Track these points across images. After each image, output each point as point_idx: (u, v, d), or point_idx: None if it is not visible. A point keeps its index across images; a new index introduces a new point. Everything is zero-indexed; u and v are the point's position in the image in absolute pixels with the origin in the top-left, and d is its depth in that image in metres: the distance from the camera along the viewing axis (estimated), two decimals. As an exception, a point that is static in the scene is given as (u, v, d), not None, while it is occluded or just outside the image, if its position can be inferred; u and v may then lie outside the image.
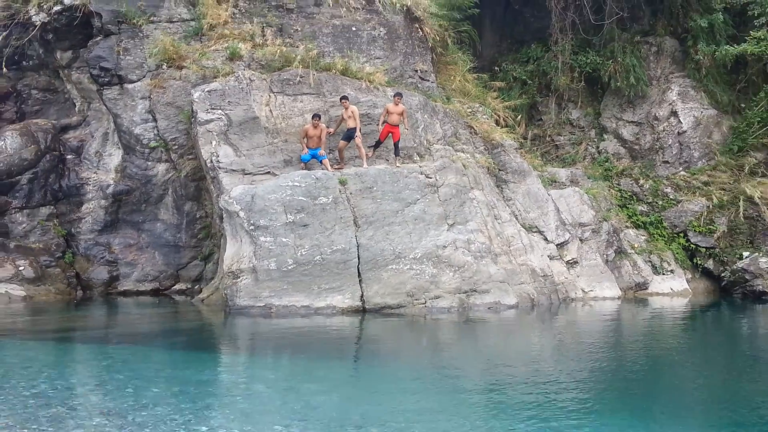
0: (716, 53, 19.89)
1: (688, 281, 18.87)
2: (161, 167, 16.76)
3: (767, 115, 19.82)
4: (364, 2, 17.85)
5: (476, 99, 19.34)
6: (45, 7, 16.75)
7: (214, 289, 15.31)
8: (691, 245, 19.10)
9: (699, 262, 19.14)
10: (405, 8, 18.08)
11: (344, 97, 15.45)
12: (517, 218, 16.90)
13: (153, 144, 16.59)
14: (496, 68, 21.58)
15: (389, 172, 15.26)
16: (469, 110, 18.57)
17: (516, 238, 16.20)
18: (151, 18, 17.00)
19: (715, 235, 18.86)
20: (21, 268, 15.59)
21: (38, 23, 16.69)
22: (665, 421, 7.05)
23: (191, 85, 16.11)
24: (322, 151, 15.17)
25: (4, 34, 16.84)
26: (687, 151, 20.33)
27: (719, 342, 12.92)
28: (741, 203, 18.71)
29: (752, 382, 9.19)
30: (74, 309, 15.09)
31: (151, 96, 16.53)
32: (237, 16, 17.27)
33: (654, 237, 19.13)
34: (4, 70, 17.14)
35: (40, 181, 16.63)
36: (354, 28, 17.63)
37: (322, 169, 15.07)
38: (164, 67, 16.63)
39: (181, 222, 16.87)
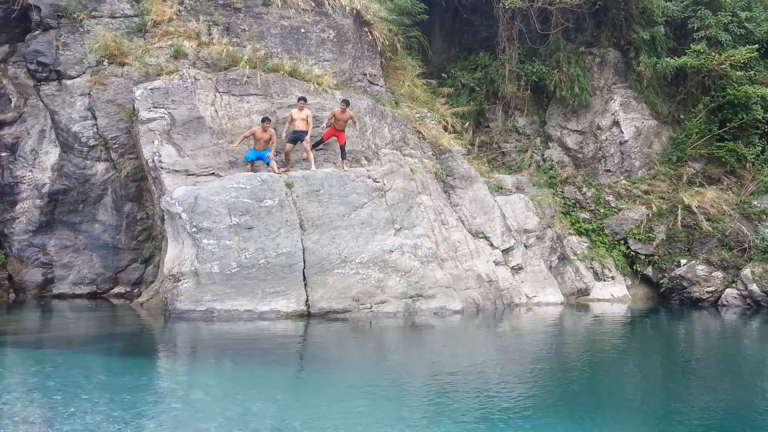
0: (657, 65, 20.49)
1: (628, 287, 19.26)
2: (100, 166, 16.22)
3: (705, 127, 20.44)
4: (313, 4, 17.69)
5: (425, 104, 19.37)
6: (-20, -2, 16.14)
7: (154, 293, 14.87)
8: (632, 252, 19.51)
9: (639, 269, 19.56)
10: (354, 11, 18.00)
11: (303, 98, 15.24)
12: (463, 224, 16.96)
13: (92, 142, 16.05)
14: (444, 75, 21.66)
15: (336, 176, 15.12)
16: (418, 115, 18.58)
17: (462, 243, 16.24)
18: (93, 13, 16.48)
19: (654, 243, 19.29)
20: (-52, 270, 14.87)
21: (-28, 15, 16.03)
22: (605, 423, 7.12)
23: (133, 83, 15.65)
24: (270, 154, 14.93)
25: (-65, 25, 16.12)
26: (628, 160, 20.77)
27: (657, 347, 13.21)
28: (679, 212, 19.20)
29: (686, 384, 9.50)
30: (5, 312, 14.47)
31: (91, 93, 15.99)
32: (182, 13, 16.89)
33: (596, 244, 19.47)
34: (-65, 62, 16.47)
35: (-29, 178, 15.94)
36: (303, 30, 17.45)
37: (269, 171, 14.85)
38: (105, 63, 16.11)
39: (120, 223, 16.34)
